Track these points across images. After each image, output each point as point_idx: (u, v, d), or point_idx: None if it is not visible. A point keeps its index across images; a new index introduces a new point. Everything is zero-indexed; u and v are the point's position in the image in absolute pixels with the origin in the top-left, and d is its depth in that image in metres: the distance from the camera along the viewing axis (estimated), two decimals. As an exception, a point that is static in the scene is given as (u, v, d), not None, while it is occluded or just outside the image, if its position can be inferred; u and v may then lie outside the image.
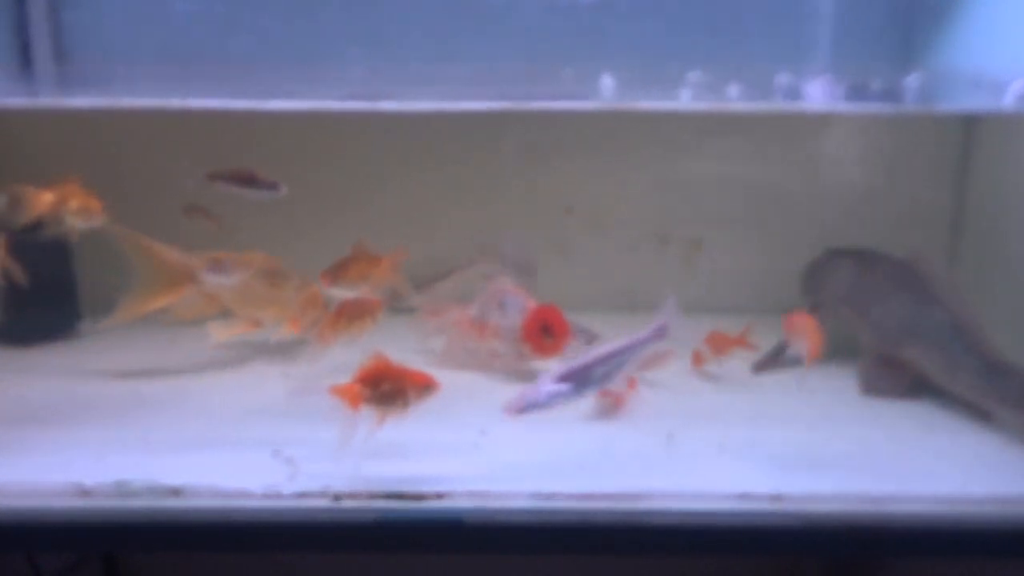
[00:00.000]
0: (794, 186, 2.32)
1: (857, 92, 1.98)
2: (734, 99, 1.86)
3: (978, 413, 1.73)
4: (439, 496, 1.45)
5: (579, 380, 1.48)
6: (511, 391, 1.89)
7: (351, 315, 1.75)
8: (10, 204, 1.77)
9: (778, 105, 1.97)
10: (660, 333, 1.52)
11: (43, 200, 1.76)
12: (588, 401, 1.79)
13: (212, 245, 1.90)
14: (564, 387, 1.46)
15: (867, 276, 2.03)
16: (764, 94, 1.90)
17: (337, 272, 1.77)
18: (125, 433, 1.67)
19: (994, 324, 1.80)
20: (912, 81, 1.87)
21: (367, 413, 1.45)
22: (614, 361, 1.52)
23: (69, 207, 1.76)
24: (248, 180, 1.87)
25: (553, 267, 2.25)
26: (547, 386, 1.47)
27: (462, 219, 2.29)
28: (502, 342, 1.97)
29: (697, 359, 1.99)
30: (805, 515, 1.43)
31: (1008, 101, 1.73)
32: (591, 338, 2.17)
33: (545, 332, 1.91)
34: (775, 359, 2.04)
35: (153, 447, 1.61)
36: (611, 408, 1.77)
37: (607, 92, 1.87)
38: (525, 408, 1.45)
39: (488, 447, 1.64)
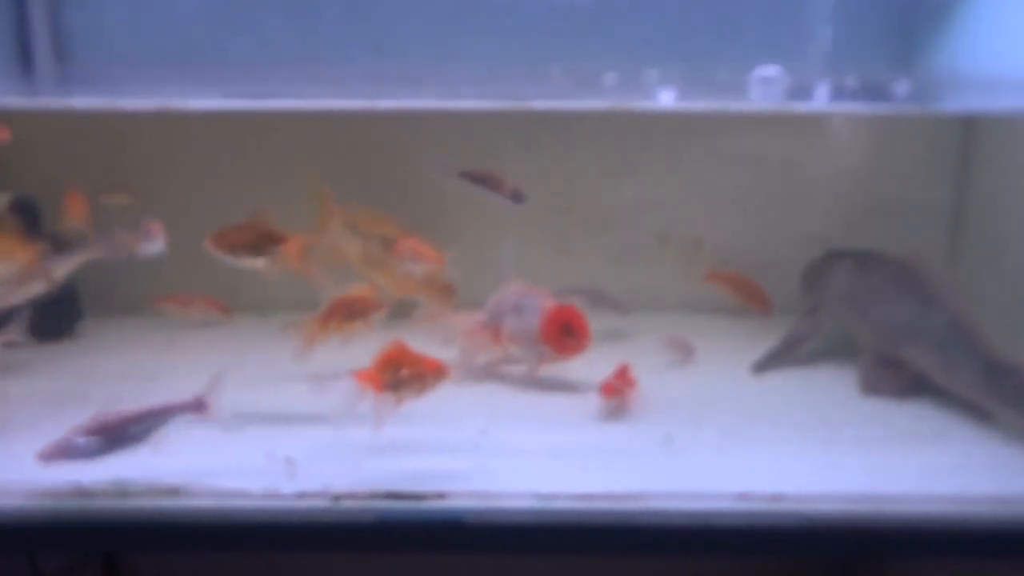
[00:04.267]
0: (794, 186, 2.32)
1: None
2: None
3: (978, 413, 1.73)
4: (439, 496, 1.45)
5: (110, 436, 1.42)
6: (512, 391, 1.91)
7: (343, 316, 1.75)
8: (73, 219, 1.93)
9: (778, 105, 1.97)
10: (197, 405, 1.47)
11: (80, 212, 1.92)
12: (589, 401, 1.79)
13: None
14: (93, 442, 1.41)
15: (867, 276, 2.03)
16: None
17: (223, 236, 1.74)
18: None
19: (994, 324, 1.80)
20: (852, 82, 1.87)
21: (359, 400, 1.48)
22: (148, 422, 1.45)
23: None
24: (493, 184, 1.88)
25: (553, 267, 2.25)
26: (76, 438, 1.41)
27: (460, 219, 2.29)
28: (520, 345, 1.92)
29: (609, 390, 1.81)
30: (805, 515, 1.43)
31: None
32: (619, 308, 2.18)
33: (566, 332, 1.85)
34: (776, 359, 2.04)
35: (153, 447, 1.61)
36: (612, 408, 1.77)
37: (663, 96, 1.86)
38: (52, 458, 1.40)
39: (488, 447, 1.64)
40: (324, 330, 1.77)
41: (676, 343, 2.05)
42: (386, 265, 1.92)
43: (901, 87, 1.87)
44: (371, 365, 1.49)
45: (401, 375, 1.50)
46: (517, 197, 1.87)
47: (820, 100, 1.93)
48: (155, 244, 1.88)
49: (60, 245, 2.01)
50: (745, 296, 2.23)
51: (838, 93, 1.94)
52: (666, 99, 1.86)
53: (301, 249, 1.79)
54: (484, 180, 1.88)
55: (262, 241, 1.79)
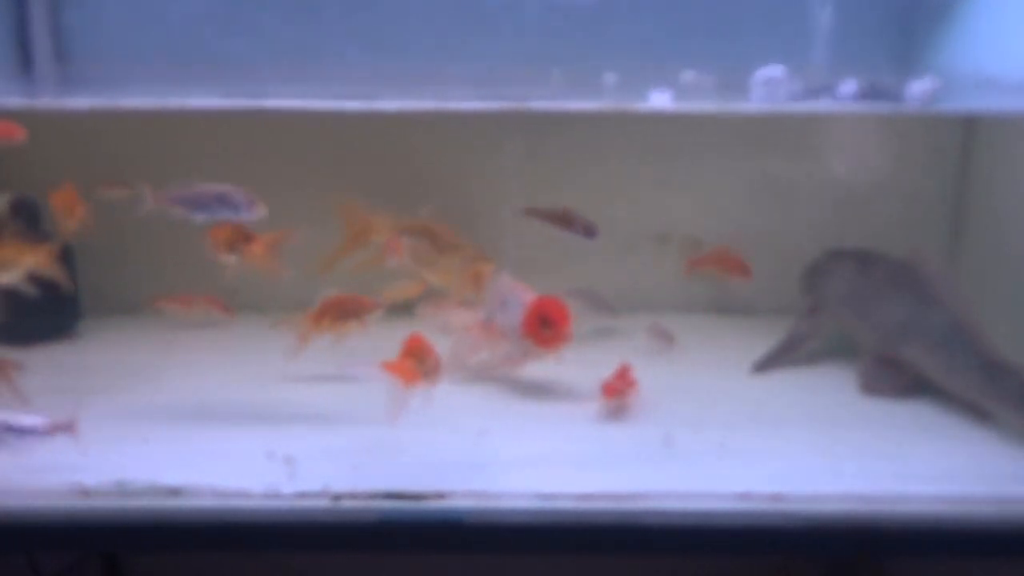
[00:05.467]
0: (794, 186, 2.32)
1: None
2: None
3: (978, 413, 1.73)
4: (439, 496, 1.45)
5: None
6: (511, 391, 1.90)
7: (336, 315, 1.77)
8: (62, 212, 1.91)
9: (778, 105, 1.97)
10: (64, 426, 1.46)
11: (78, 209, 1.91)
12: (589, 401, 1.79)
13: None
14: None
15: (867, 276, 2.03)
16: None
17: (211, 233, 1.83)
18: (125, 433, 1.67)
19: (994, 324, 1.80)
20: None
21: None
22: (6, 433, 1.46)
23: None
24: (564, 220, 1.91)
25: (553, 268, 2.24)
26: None
27: (461, 219, 2.29)
28: (506, 340, 1.89)
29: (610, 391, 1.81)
30: (805, 515, 1.43)
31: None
32: (611, 310, 2.20)
33: (544, 323, 1.80)
34: (776, 359, 2.04)
35: (153, 447, 1.61)
36: (612, 409, 1.77)
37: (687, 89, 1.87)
38: None
39: (488, 447, 1.64)
40: (316, 328, 1.79)
41: (657, 332, 2.08)
42: (438, 264, 2.00)
43: (923, 86, 1.85)
44: (399, 356, 1.55)
45: (428, 364, 1.56)
46: (590, 232, 1.90)
47: (826, 101, 1.93)
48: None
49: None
50: (727, 268, 2.24)
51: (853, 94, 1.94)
52: (660, 100, 1.86)
53: (267, 247, 1.83)
54: (558, 218, 1.92)
55: (234, 238, 1.84)
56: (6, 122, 1.80)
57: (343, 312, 1.79)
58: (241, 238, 1.83)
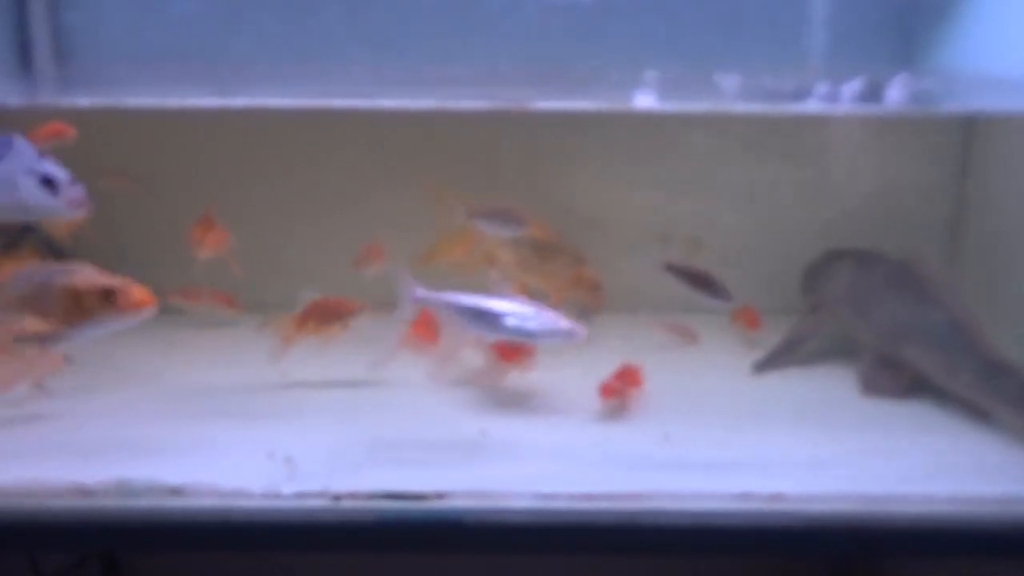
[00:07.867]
0: (794, 186, 2.32)
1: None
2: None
3: (978, 413, 1.73)
4: (439, 496, 1.45)
5: None
6: (511, 391, 1.91)
7: (320, 318, 1.78)
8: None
9: (778, 105, 1.97)
10: None
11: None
12: (589, 401, 1.79)
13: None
14: None
15: (866, 276, 2.03)
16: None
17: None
18: (125, 433, 1.67)
19: (994, 324, 1.80)
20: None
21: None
22: None
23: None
24: (704, 283, 1.93)
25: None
26: None
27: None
28: (482, 348, 1.86)
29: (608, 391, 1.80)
30: (805, 515, 1.43)
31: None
32: (587, 320, 2.17)
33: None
34: (776, 359, 2.04)
35: (153, 447, 1.61)
36: (612, 408, 1.77)
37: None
38: None
39: (488, 447, 1.64)
40: (301, 331, 1.80)
41: (677, 328, 2.10)
42: (537, 266, 2.04)
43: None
44: (417, 322, 1.74)
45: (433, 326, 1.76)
46: (726, 297, 1.93)
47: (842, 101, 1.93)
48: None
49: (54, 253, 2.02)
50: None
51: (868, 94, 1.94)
52: (644, 101, 1.86)
53: (216, 243, 1.93)
54: (697, 279, 1.95)
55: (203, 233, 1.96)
56: (58, 123, 1.82)
57: (327, 315, 1.80)
58: (210, 233, 1.94)
